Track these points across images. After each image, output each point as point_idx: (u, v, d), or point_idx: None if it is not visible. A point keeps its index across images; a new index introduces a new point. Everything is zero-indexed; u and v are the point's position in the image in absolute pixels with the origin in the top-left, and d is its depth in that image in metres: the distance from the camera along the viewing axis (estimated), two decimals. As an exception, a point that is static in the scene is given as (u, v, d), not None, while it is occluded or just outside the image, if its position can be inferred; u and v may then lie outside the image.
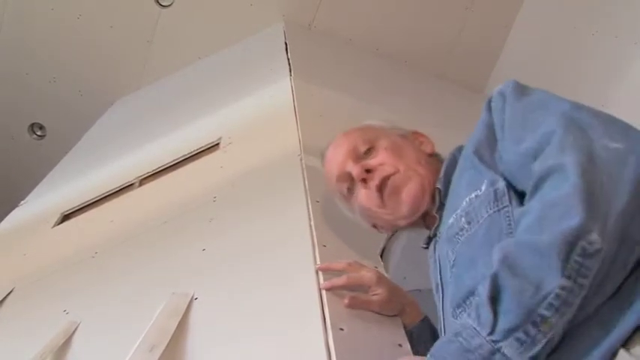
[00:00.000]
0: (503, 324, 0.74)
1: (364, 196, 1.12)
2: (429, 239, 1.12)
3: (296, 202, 1.37)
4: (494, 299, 0.75)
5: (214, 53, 3.32)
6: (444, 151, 1.23)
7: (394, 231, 1.18)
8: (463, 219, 0.95)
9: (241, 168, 1.77)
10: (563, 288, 0.72)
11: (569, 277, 0.72)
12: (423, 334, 1.12)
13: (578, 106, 0.89)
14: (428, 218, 1.11)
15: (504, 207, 0.90)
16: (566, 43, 2.96)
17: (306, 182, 1.44)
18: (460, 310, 0.93)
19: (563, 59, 2.96)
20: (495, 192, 0.91)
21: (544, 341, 0.73)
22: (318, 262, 1.13)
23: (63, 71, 3.45)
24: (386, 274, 1.23)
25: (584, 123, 0.85)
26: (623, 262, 0.78)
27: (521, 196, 0.90)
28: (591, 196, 0.75)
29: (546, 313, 0.73)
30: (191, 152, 2.06)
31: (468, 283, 0.91)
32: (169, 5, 3.29)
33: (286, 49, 2.70)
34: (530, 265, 0.74)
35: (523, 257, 0.76)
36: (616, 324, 0.76)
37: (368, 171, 1.11)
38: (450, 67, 3.33)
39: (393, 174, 1.09)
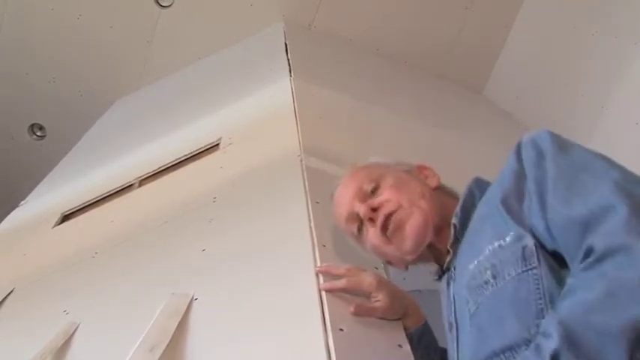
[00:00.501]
0: None
1: (372, 234, 1.12)
2: (440, 275, 1.11)
3: (296, 202, 1.37)
4: None
5: (214, 53, 3.32)
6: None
7: (407, 267, 1.18)
8: (489, 272, 0.94)
9: (241, 168, 1.77)
10: None
11: None
12: (423, 338, 1.13)
13: (627, 177, 0.88)
14: (436, 252, 1.11)
15: (533, 268, 0.89)
16: (565, 43, 2.96)
17: (306, 183, 1.44)
18: None
19: (563, 59, 2.96)
20: (523, 250, 0.90)
21: None
22: (318, 262, 1.14)
23: (63, 71, 3.45)
24: (386, 275, 1.23)
25: (637, 194, 0.83)
26: None
27: (551, 256, 0.89)
28: None
29: None
30: (191, 152, 2.06)
31: (494, 343, 0.90)
32: (169, 6, 3.29)
33: (286, 50, 2.70)
34: (596, 350, 0.73)
35: (588, 339, 0.74)
36: None
37: (374, 210, 1.12)
38: (450, 67, 3.33)
39: (396, 210, 1.10)
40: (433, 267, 1.14)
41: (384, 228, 1.10)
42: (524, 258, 0.90)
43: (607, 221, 0.80)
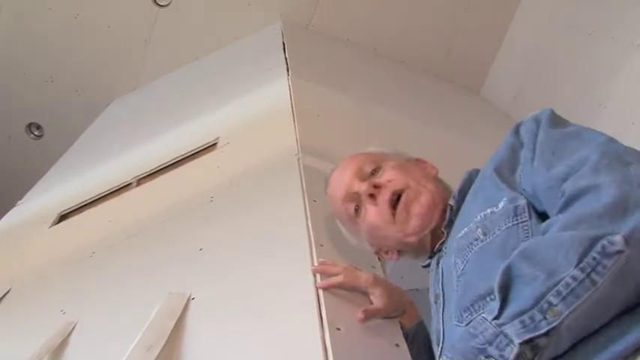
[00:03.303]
0: (511, 309, 0.75)
1: (373, 212, 1.10)
2: (431, 256, 1.11)
3: (293, 201, 1.36)
4: (506, 288, 0.76)
5: (212, 53, 3.32)
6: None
7: (399, 256, 1.15)
8: (479, 230, 0.94)
9: (239, 168, 1.77)
10: (574, 278, 0.73)
11: (582, 270, 0.73)
12: (418, 337, 1.13)
13: (613, 139, 0.90)
14: (434, 237, 1.10)
15: (524, 221, 0.90)
16: (563, 43, 2.96)
17: (304, 182, 1.44)
18: (467, 313, 0.91)
19: (560, 59, 2.96)
20: (515, 208, 0.92)
21: (546, 329, 0.73)
22: (315, 261, 1.13)
23: (60, 71, 3.45)
24: (383, 274, 1.23)
25: (619, 150, 0.86)
26: None
27: (541, 216, 0.90)
28: (624, 208, 0.76)
29: (553, 300, 0.73)
30: (188, 152, 2.06)
31: (479, 289, 0.90)
32: (167, 5, 3.29)
33: (284, 49, 2.70)
34: (547, 256, 0.75)
35: (541, 249, 0.77)
36: (630, 332, 0.75)
37: (376, 187, 1.10)
38: (448, 67, 3.33)
39: (405, 189, 1.09)
40: (422, 261, 1.13)
41: (391, 203, 1.08)
42: (515, 214, 0.91)
43: (581, 169, 0.83)
